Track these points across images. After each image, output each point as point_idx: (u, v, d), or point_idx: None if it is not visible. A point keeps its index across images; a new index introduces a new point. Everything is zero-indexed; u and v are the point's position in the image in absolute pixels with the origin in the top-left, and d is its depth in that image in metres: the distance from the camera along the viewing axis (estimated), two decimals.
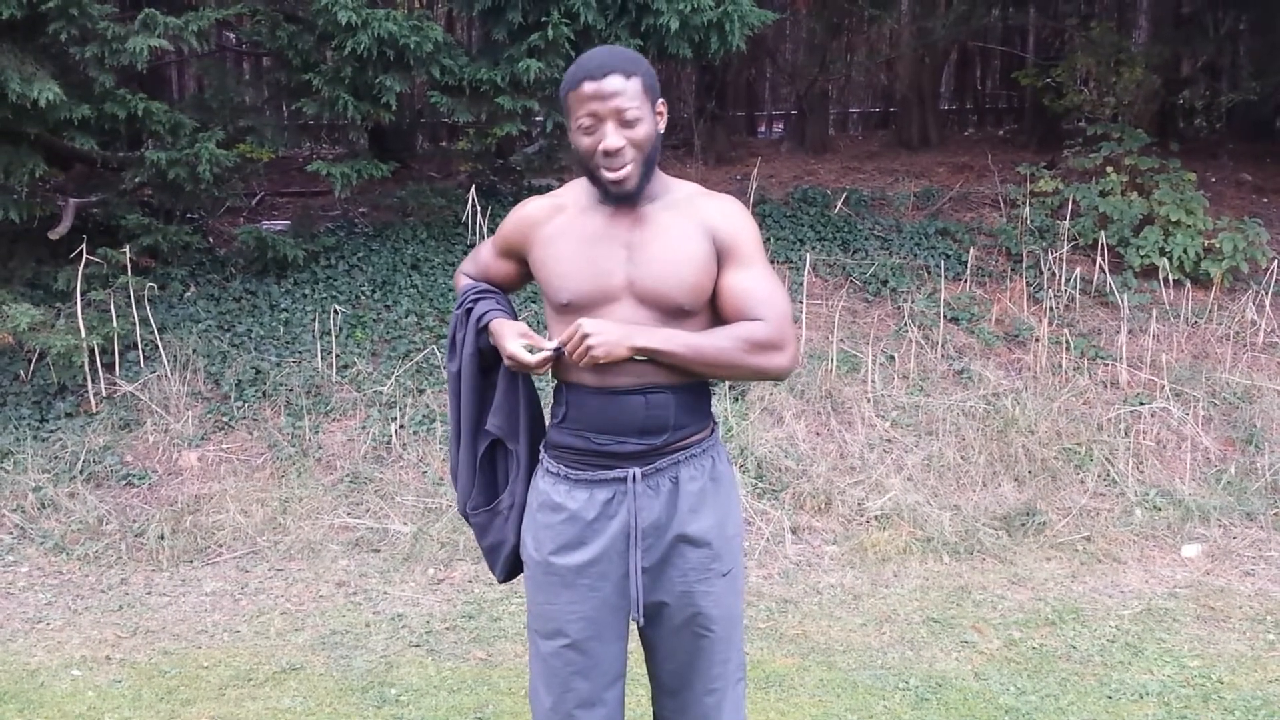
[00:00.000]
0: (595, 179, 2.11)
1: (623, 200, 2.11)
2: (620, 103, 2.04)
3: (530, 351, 2.12)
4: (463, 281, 2.40)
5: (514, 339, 2.15)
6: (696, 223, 2.12)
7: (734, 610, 2.25)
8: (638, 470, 2.12)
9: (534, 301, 5.87)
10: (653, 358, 2.08)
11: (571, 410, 2.15)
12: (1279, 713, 3.39)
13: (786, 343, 2.09)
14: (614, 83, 2.03)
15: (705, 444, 2.19)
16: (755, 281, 2.11)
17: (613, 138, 2.04)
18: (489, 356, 2.25)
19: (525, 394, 2.25)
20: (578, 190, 2.21)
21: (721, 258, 2.12)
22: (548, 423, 2.24)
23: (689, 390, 2.15)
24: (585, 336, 2.03)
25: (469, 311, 2.26)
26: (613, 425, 2.11)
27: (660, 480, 2.14)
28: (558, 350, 2.09)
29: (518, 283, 2.33)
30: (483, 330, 2.23)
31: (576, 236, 2.14)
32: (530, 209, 2.23)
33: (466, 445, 2.29)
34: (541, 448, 2.25)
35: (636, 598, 2.14)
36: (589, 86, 2.04)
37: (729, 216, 2.14)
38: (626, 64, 2.06)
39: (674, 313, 2.09)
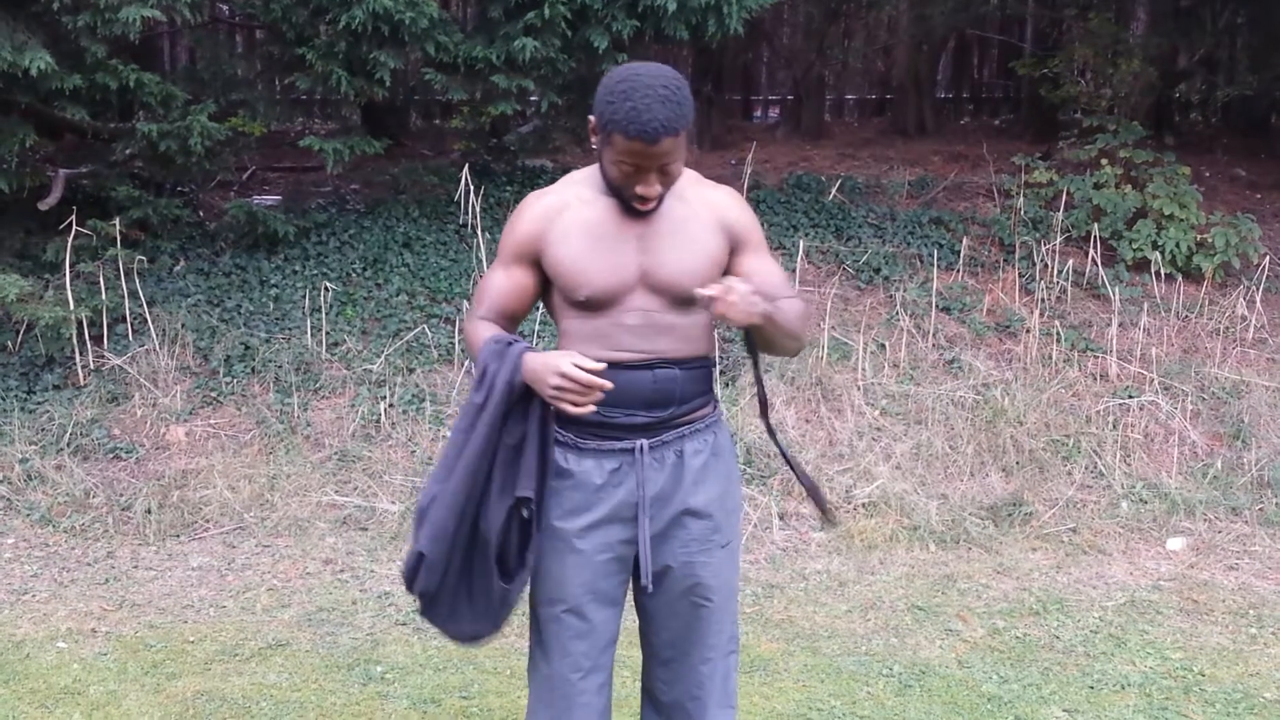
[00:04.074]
0: (616, 190, 2.13)
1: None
2: (666, 159, 2.06)
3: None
4: (483, 330, 2.22)
5: (566, 358, 2.04)
6: (706, 213, 2.20)
7: (731, 581, 2.33)
8: (645, 442, 2.18)
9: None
10: (767, 325, 2.07)
11: None
12: (1259, 706, 3.41)
13: (807, 308, 2.27)
14: (665, 145, 2.03)
15: (709, 419, 2.27)
16: (772, 267, 2.25)
17: (653, 187, 2.09)
18: (515, 397, 2.12)
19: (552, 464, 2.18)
20: (579, 183, 2.21)
21: (736, 246, 2.22)
22: None
23: (693, 365, 2.22)
24: (735, 301, 1.99)
25: (510, 344, 2.14)
26: (620, 398, 2.14)
27: (666, 453, 2.21)
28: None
29: (534, 299, 2.25)
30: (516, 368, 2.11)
31: (587, 231, 2.15)
32: (540, 206, 2.19)
33: (484, 511, 2.14)
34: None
35: (646, 566, 2.20)
36: (640, 147, 2.02)
37: (737, 208, 2.24)
38: (678, 120, 2.02)
39: (685, 300, 2.15)
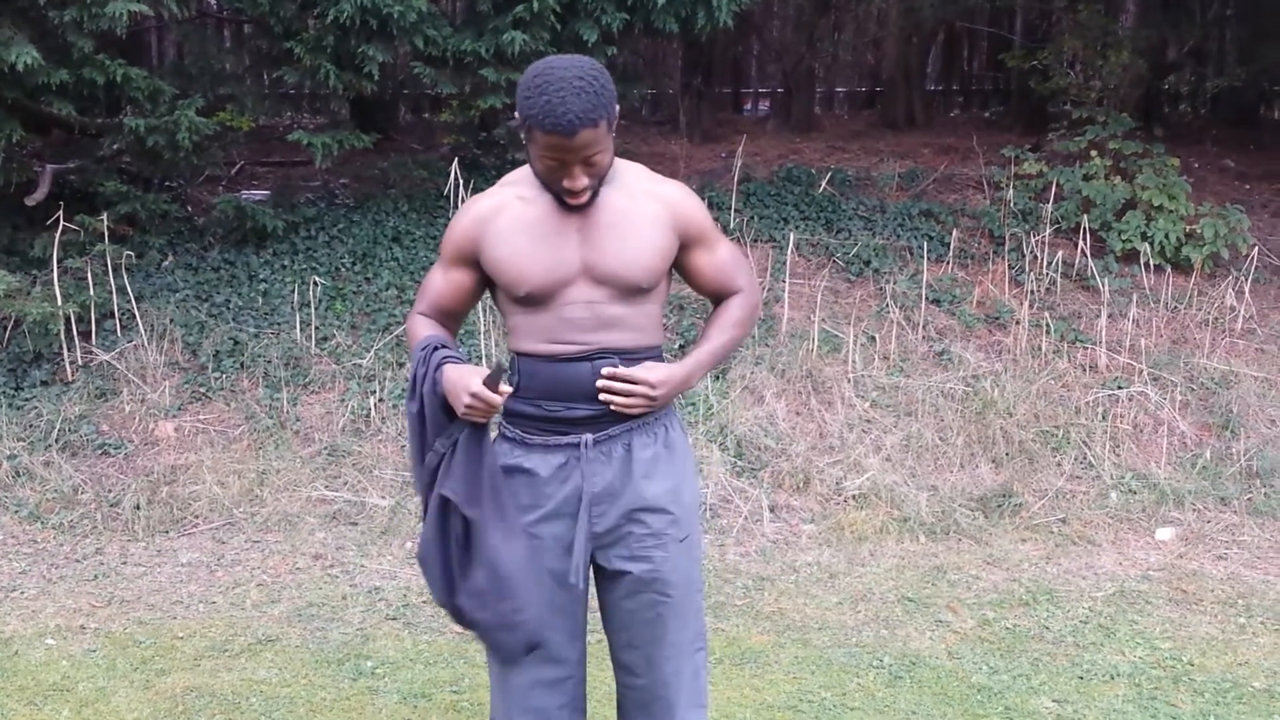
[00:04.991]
0: (548, 186, 2.14)
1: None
2: (587, 151, 2.04)
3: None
4: (420, 327, 2.28)
5: (477, 377, 2.07)
6: (654, 208, 2.19)
7: (691, 576, 2.30)
8: (590, 436, 2.18)
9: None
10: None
11: (524, 379, 2.20)
12: (1248, 695, 3.43)
13: (758, 293, 2.38)
14: (584, 137, 2.01)
15: (658, 412, 2.25)
16: (726, 255, 2.31)
17: (579, 179, 2.08)
18: (443, 403, 2.15)
19: (489, 461, 2.16)
20: (517, 183, 2.21)
21: (691, 243, 2.25)
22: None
23: (639, 357, 2.20)
24: (626, 402, 2.15)
25: (435, 349, 2.18)
26: (563, 392, 2.16)
27: (613, 447, 2.20)
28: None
29: (474, 297, 2.28)
30: (437, 371, 2.15)
31: (527, 229, 2.15)
32: (477, 209, 2.21)
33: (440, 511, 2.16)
34: (500, 415, 2.25)
35: (577, 561, 2.18)
36: (557, 140, 2.01)
37: (688, 205, 2.24)
38: (595, 111, 2.00)
39: (630, 291, 2.16)
